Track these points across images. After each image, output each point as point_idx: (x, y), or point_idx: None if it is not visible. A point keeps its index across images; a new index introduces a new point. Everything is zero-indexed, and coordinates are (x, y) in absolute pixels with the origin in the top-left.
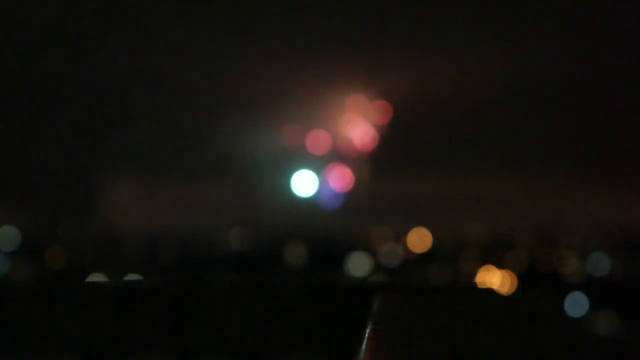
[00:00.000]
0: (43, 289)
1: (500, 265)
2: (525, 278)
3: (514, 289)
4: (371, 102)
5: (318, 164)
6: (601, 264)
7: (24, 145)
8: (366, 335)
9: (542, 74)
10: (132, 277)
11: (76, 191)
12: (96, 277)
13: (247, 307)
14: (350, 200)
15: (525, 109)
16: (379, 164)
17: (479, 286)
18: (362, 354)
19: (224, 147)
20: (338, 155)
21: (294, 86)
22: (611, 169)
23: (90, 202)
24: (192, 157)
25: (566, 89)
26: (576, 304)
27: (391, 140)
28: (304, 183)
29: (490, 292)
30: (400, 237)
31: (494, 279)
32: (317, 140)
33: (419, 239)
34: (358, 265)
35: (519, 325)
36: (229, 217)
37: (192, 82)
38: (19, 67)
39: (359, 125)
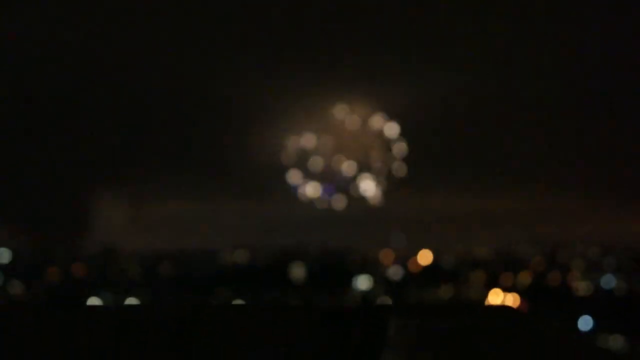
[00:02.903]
0: (40, 311)
1: (508, 285)
2: (533, 298)
3: (523, 309)
4: (377, 122)
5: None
6: (609, 285)
7: (24, 166)
8: None
9: (551, 93)
10: (131, 301)
11: (74, 213)
12: (94, 302)
13: (251, 330)
14: (361, 219)
15: (537, 129)
16: (387, 184)
17: (496, 305)
18: None
19: (228, 166)
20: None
21: (297, 104)
22: (622, 191)
23: (88, 224)
24: (196, 176)
25: (576, 109)
26: (582, 323)
27: (400, 160)
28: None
29: (508, 310)
30: (408, 257)
31: (503, 298)
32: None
33: (427, 260)
34: (365, 283)
35: (544, 344)
36: (236, 237)
37: (189, 106)
38: (18, 90)
39: (365, 144)
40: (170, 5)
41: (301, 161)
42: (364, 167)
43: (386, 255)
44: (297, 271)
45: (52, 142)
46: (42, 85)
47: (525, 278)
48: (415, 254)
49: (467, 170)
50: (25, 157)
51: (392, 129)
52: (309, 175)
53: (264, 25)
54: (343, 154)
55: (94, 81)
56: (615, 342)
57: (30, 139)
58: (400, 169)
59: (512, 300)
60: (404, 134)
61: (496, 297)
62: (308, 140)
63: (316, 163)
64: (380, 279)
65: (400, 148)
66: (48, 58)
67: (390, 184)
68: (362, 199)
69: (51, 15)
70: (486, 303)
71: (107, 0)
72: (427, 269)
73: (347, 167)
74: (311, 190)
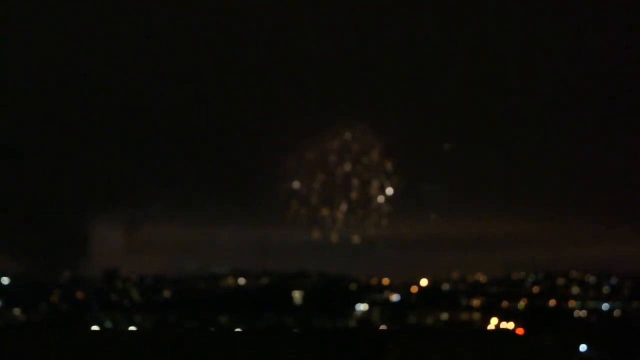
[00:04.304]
0: (43, 335)
1: (506, 311)
2: (530, 324)
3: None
4: (373, 150)
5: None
6: (607, 311)
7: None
8: None
9: (547, 120)
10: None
11: (75, 238)
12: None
13: (251, 354)
14: (359, 245)
15: (535, 155)
16: (385, 211)
17: (493, 329)
18: None
19: (228, 191)
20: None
21: (297, 133)
22: (621, 217)
23: (88, 249)
24: (196, 201)
25: (570, 131)
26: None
27: (398, 187)
28: None
29: (505, 334)
30: (407, 283)
31: (501, 323)
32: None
33: (425, 286)
34: (364, 309)
35: None
36: (236, 261)
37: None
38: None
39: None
40: (178, 31)
41: (300, 189)
42: (361, 195)
43: (384, 281)
44: (297, 296)
45: (53, 168)
46: (42, 116)
47: (522, 303)
48: (413, 280)
49: (464, 197)
50: (25, 185)
51: (388, 157)
52: (308, 203)
53: (269, 60)
54: (341, 183)
55: (94, 108)
56: None
57: (30, 168)
58: (396, 196)
59: (509, 325)
60: (401, 161)
61: (494, 322)
62: (307, 169)
63: (315, 191)
64: (379, 305)
65: (397, 176)
66: (49, 85)
67: (388, 211)
68: (360, 227)
69: (51, 43)
70: (484, 328)
71: (109, 21)
72: (425, 294)
73: (345, 195)
74: (310, 217)
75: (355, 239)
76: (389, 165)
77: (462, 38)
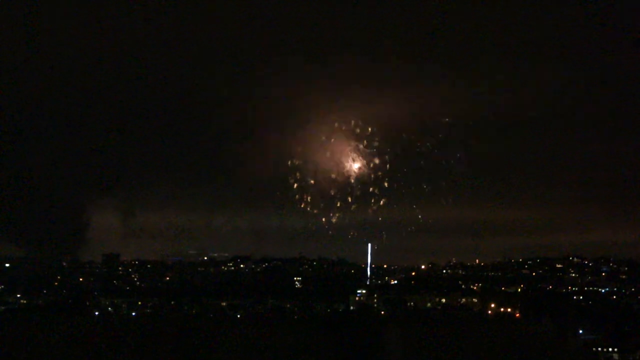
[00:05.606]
0: (46, 318)
1: (504, 295)
2: (528, 308)
3: (518, 317)
4: (371, 139)
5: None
6: (603, 296)
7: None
8: None
9: (545, 106)
10: (133, 312)
11: (76, 225)
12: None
13: (251, 338)
14: (357, 231)
15: (534, 143)
16: (385, 198)
17: (490, 313)
18: None
19: (227, 178)
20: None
21: (295, 119)
22: (618, 202)
23: (89, 235)
24: (196, 187)
25: (569, 119)
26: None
27: (393, 172)
28: None
29: (504, 317)
30: (406, 268)
31: (499, 307)
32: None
33: (424, 270)
34: (363, 293)
35: (539, 349)
36: (236, 247)
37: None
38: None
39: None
40: (175, 18)
41: (299, 175)
42: (360, 183)
43: (384, 267)
44: (297, 280)
45: (53, 156)
46: (43, 106)
47: (520, 287)
48: (413, 265)
49: (463, 184)
50: (26, 173)
51: (387, 145)
52: (306, 189)
53: (269, 44)
54: (339, 169)
55: (93, 98)
56: (609, 354)
57: (31, 156)
58: (396, 183)
59: (507, 309)
60: (400, 149)
61: (492, 306)
62: (306, 155)
63: (313, 177)
64: (378, 289)
65: (396, 163)
66: (48, 76)
67: (387, 198)
68: (359, 214)
69: (48, 26)
70: (483, 312)
71: (104, 12)
72: (424, 279)
73: (343, 181)
74: (309, 204)
75: (354, 225)
76: (387, 156)
77: (469, 29)
